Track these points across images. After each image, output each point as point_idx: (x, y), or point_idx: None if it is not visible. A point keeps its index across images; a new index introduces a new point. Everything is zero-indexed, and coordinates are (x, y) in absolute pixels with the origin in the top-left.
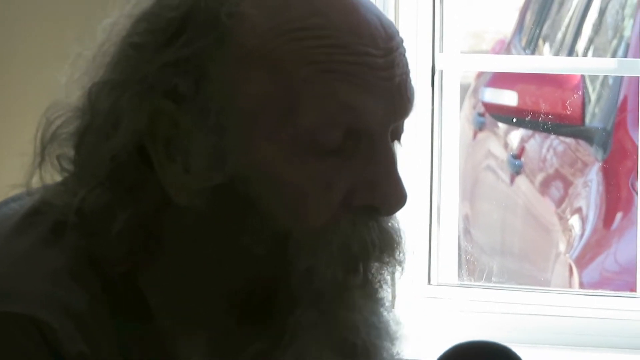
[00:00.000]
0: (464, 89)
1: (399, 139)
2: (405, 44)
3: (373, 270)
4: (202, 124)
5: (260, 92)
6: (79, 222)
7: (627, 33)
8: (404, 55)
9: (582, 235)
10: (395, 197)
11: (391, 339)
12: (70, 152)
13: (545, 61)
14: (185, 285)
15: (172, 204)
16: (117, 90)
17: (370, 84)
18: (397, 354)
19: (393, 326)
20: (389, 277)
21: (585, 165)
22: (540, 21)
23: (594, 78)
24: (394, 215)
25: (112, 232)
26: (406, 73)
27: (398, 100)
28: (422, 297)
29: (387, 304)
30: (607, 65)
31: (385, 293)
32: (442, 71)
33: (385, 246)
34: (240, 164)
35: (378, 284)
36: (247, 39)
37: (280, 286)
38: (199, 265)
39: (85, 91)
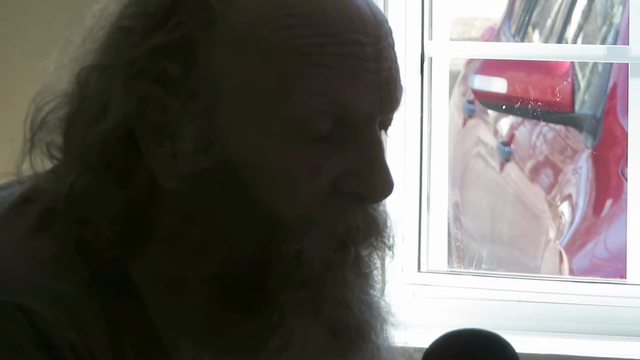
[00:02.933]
0: (453, 77)
1: (386, 129)
2: (394, 32)
3: (363, 252)
4: (191, 108)
5: (250, 79)
6: (68, 209)
7: (616, 20)
8: (393, 48)
9: (572, 222)
10: (382, 185)
11: (384, 319)
12: (60, 139)
13: (535, 48)
14: (175, 271)
15: (161, 190)
16: (106, 75)
17: (360, 77)
18: (390, 335)
19: (385, 307)
20: (378, 262)
21: (575, 152)
22: (529, 8)
23: (583, 65)
24: (382, 202)
25: (101, 219)
26: (395, 69)
27: (386, 94)
28: (412, 284)
29: (378, 288)
30: (596, 52)
31: (376, 276)
32: (431, 58)
33: (370, 231)
34: (228, 149)
35: (368, 264)
36: (238, 24)
37: (270, 269)
38: (189, 251)
39: (74, 76)
